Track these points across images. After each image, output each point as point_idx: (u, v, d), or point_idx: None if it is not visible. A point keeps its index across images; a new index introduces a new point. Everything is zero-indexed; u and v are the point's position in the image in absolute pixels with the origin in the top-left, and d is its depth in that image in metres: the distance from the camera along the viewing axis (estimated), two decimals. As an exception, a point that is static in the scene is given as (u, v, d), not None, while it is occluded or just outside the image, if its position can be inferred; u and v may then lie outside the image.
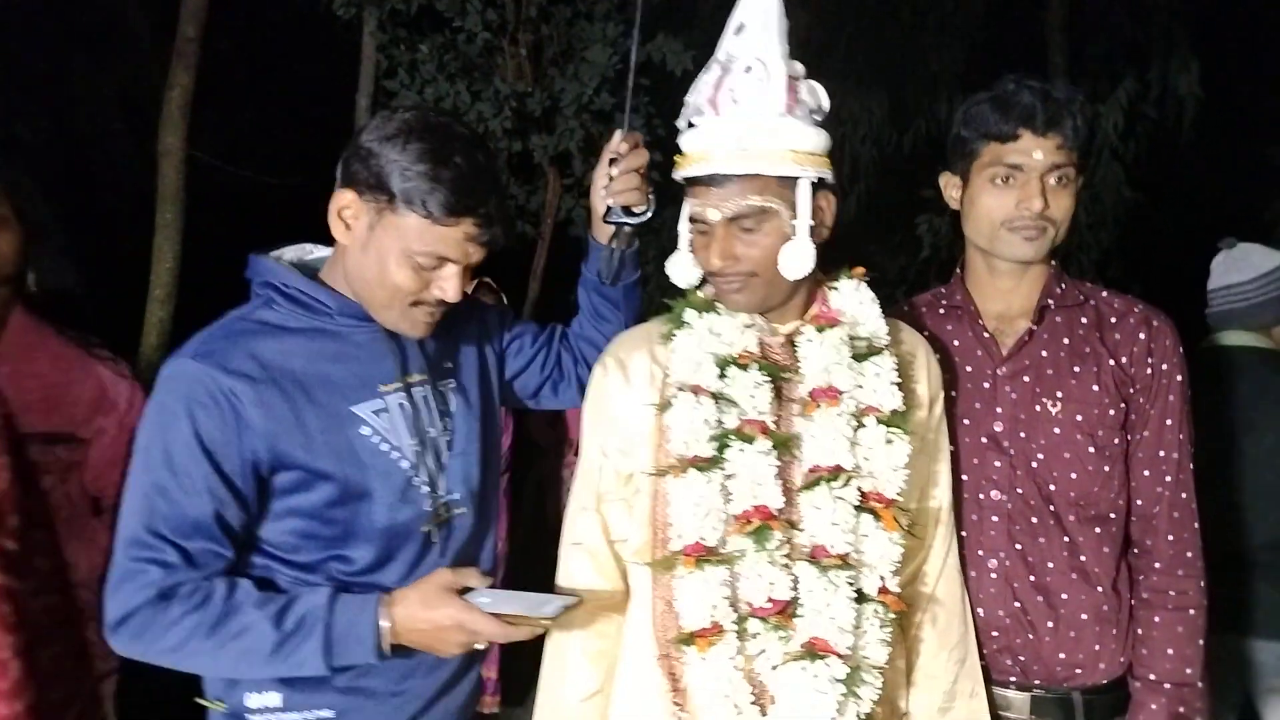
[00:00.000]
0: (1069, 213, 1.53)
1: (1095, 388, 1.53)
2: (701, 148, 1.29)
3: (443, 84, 4.51)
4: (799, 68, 1.32)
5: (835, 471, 1.27)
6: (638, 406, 1.35)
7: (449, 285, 1.32)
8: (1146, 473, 1.54)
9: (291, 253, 1.43)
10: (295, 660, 1.25)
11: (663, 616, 1.30)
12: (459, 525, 1.44)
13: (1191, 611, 1.52)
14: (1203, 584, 1.53)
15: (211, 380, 1.25)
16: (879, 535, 1.28)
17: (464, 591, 1.29)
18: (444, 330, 1.46)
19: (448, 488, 1.42)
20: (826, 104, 1.35)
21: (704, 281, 1.40)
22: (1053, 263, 1.61)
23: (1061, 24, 5.40)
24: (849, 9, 5.77)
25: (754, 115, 1.27)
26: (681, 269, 1.38)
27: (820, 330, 1.33)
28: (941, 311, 1.66)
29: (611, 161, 1.49)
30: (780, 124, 1.27)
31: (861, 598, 1.25)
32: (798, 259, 1.28)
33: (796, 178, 1.28)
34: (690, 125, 1.34)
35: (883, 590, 1.28)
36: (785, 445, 1.29)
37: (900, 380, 1.34)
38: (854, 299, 1.38)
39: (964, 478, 1.56)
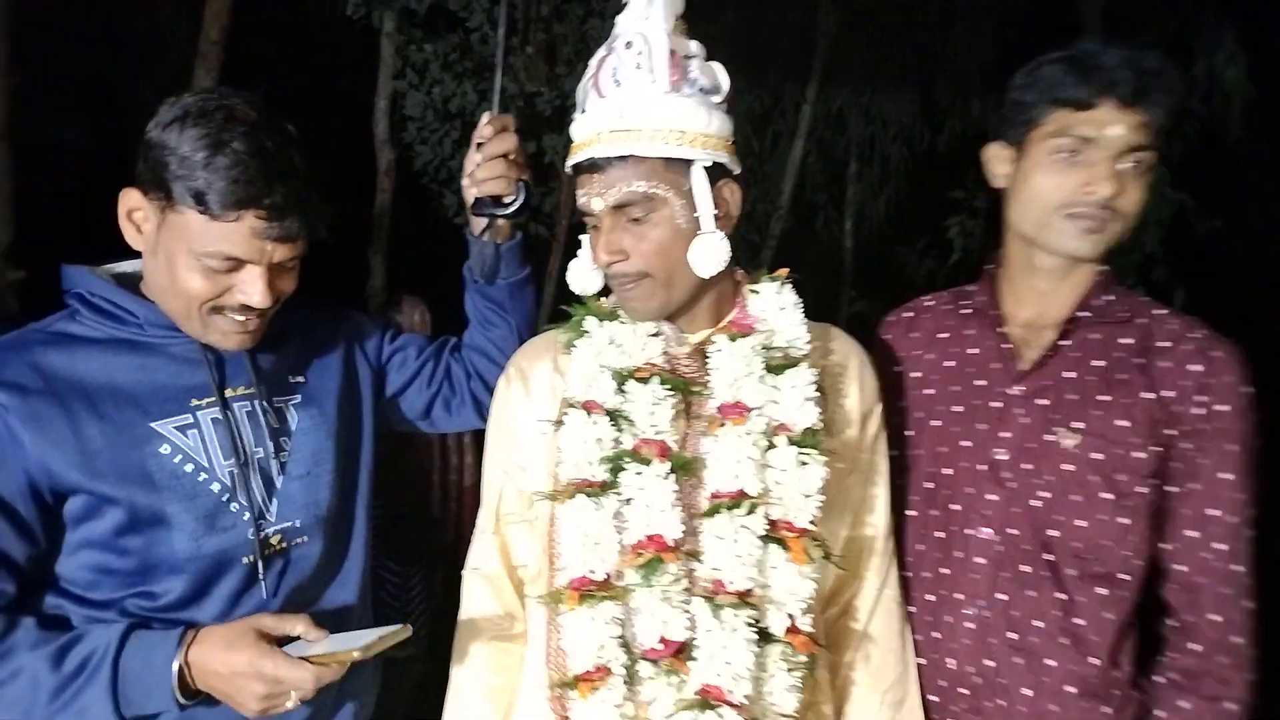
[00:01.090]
0: (1139, 207, 1.27)
1: (1124, 423, 1.27)
2: (584, 133, 1.18)
3: (450, 84, 4.46)
4: (693, 46, 1.20)
5: (739, 497, 1.15)
6: (536, 421, 1.25)
7: (251, 289, 1.19)
8: (1193, 533, 1.27)
9: (128, 265, 1.31)
10: (78, 708, 1.10)
11: (556, 653, 1.20)
12: (299, 557, 1.30)
13: (1230, 705, 1.26)
14: (1248, 676, 1.26)
15: None
16: (788, 568, 1.15)
17: (286, 642, 1.13)
18: (293, 340, 1.36)
19: (281, 514, 1.29)
20: (726, 84, 1.23)
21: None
22: (1103, 268, 1.35)
23: (1099, 16, 5.15)
24: (878, 6, 5.59)
25: (634, 94, 1.16)
26: (580, 274, 1.27)
27: (732, 339, 1.21)
28: (963, 312, 1.44)
29: (478, 147, 1.37)
30: (664, 102, 1.15)
31: (766, 638, 1.13)
32: (708, 253, 1.17)
33: (688, 162, 1.16)
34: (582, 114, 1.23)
35: (792, 629, 1.15)
36: (687, 468, 1.17)
37: (819, 395, 1.21)
38: (774, 304, 1.25)
39: (954, 507, 1.37)
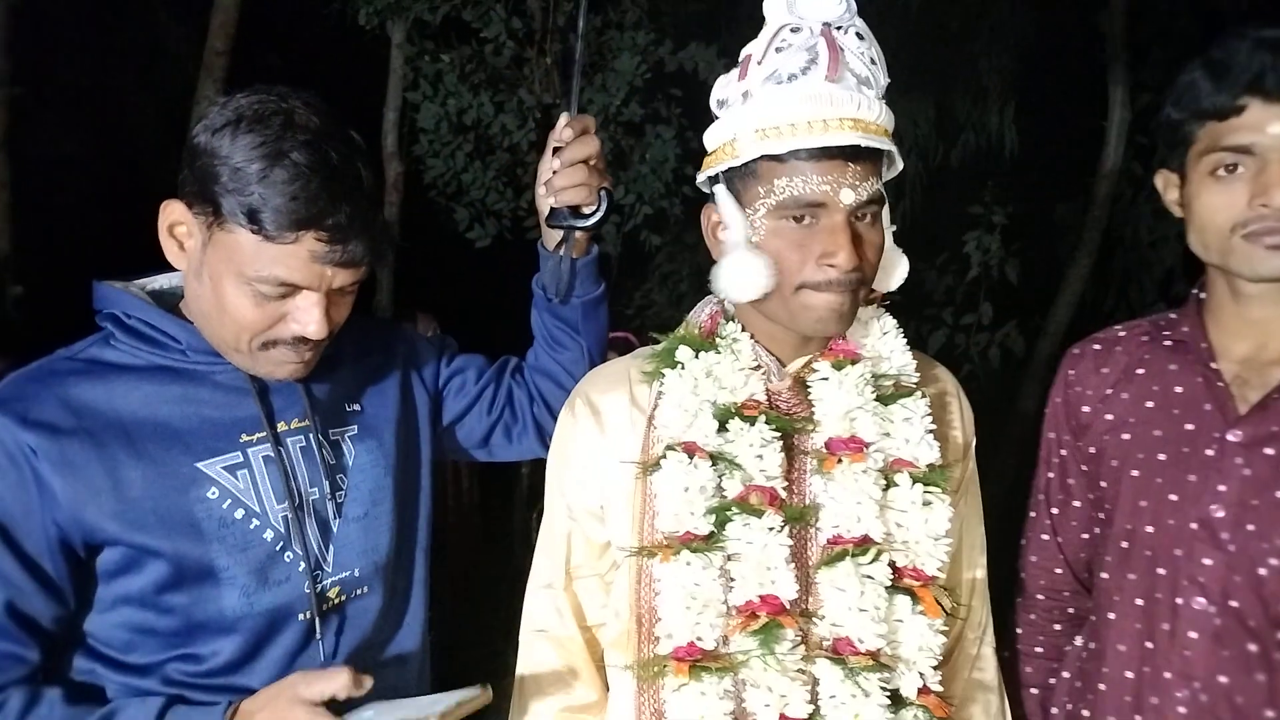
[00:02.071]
0: None
1: None
2: (815, 111, 1.01)
3: (466, 95, 4.35)
4: None
5: (862, 544, 1.03)
6: (614, 461, 1.12)
7: (307, 318, 1.06)
8: None
9: (163, 279, 1.19)
10: None
11: (652, 729, 1.06)
12: (358, 610, 1.17)
13: None
14: None
15: (8, 435, 1.00)
16: (918, 622, 1.03)
17: (340, 706, 0.98)
18: (346, 363, 1.22)
19: (338, 563, 1.15)
20: None
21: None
22: None
23: (1123, 31, 5.08)
24: (893, 16, 5.52)
25: (874, 88, 1.05)
26: (748, 277, 1.05)
27: (838, 367, 1.09)
28: (1166, 344, 1.26)
29: (555, 152, 1.25)
30: (882, 104, 1.06)
31: (896, 701, 1.01)
32: (899, 269, 1.11)
33: (880, 173, 1.07)
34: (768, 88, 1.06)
35: (923, 691, 1.03)
36: (801, 517, 1.05)
37: (935, 427, 1.10)
38: (875, 330, 1.14)
39: (1160, 571, 1.17)
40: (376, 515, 1.19)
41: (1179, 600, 1.15)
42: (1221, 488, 1.14)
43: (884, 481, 1.06)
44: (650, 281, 6.09)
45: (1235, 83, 1.10)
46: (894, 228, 1.14)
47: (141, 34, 6.43)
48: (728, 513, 1.02)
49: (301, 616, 1.11)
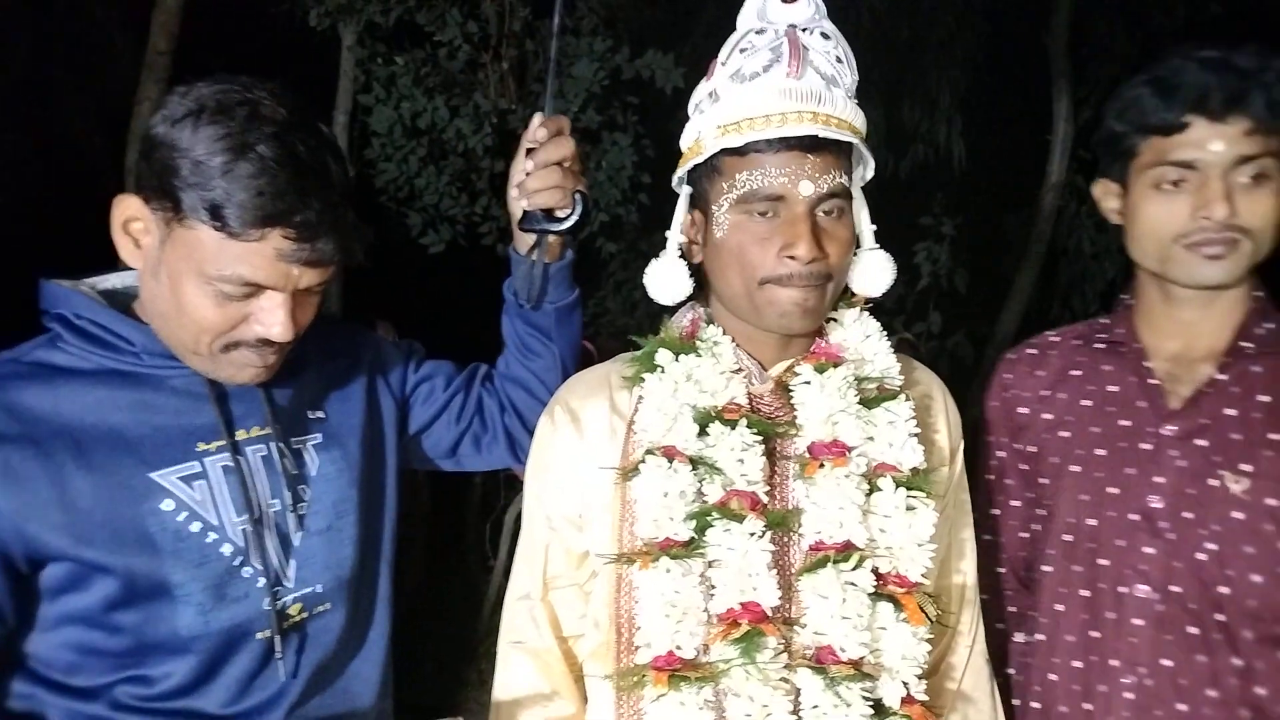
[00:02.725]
0: (1270, 218, 1.15)
1: None
2: (773, 104, 1.01)
3: (420, 99, 4.28)
4: None
5: (845, 549, 1.01)
6: (594, 468, 1.09)
7: (272, 320, 1.01)
8: None
9: (115, 278, 1.12)
10: None
11: (632, 739, 1.04)
12: (320, 628, 1.11)
13: None
14: None
15: None
16: (901, 630, 1.02)
17: None
18: (311, 368, 1.17)
19: (300, 578, 1.09)
20: None
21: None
22: (1258, 293, 1.23)
23: (1065, 47, 5.22)
24: (843, 28, 5.59)
25: (839, 84, 1.05)
26: (668, 278, 1.10)
27: (820, 370, 1.08)
28: (1098, 347, 1.32)
29: (529, 153, 1.21)
30: (852, 104, 1.05)
31: (879, 711, 1.00)
32: (879, 272, 1.10)
33: (850, 172, 1.07)
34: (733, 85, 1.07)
35: (907, 700, 1.02)
36: (783, 523, 1.03)
37: (919, 430, 1.09)
38: (858, 332, 1.13)
39: (1102, 562, 1.22)
40: (340, 528, 1.14)
41: (1122, 589, 1.19)
42: (1159, 479, 1.19)
43: (867, 486, 1.05)
44: (604, 289, 6.06)
45: (1181, 101, 1.15)
46: (874, 228, 1.14)
47: (84, 32, 6.23)
48: (708, 518, 1.00)
49: (260, 635, 1.06)
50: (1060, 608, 1.26)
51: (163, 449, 1.02)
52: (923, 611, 1.02)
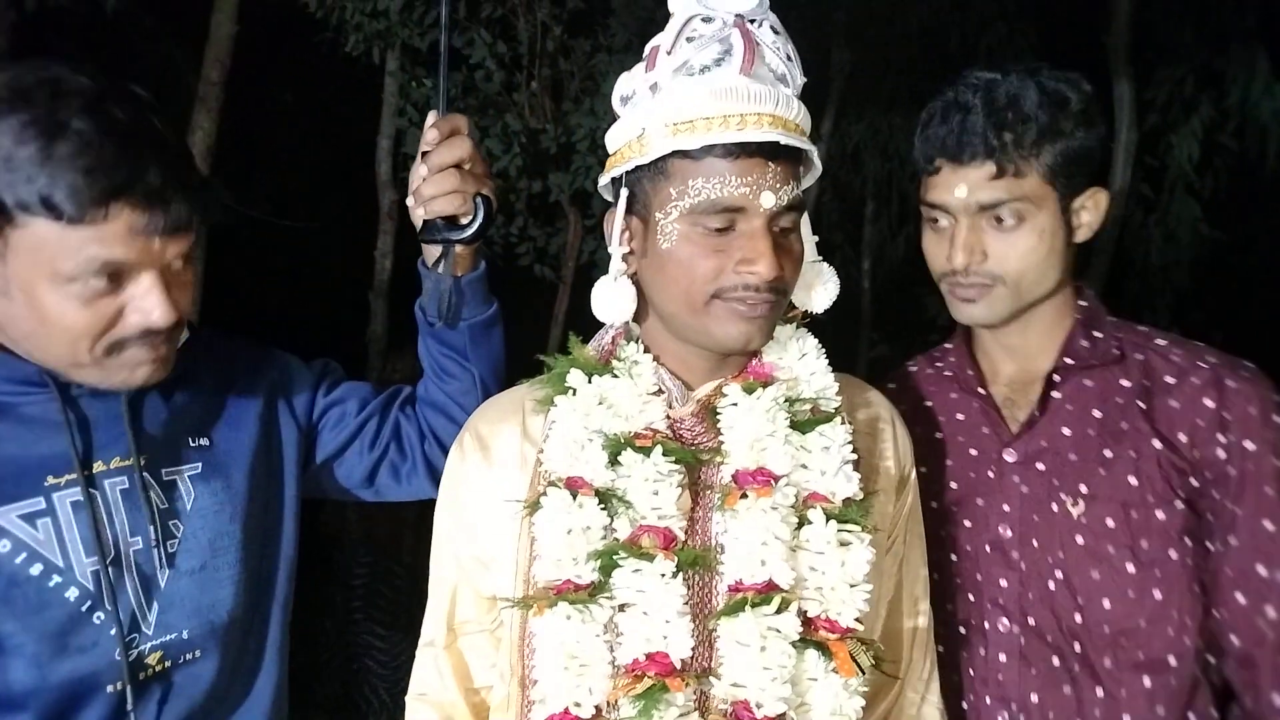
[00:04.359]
0: (1029, 259, 1.11)
1: (1134, 480, 1.10)
2: (729, 106, 0.91)
3: (452, 120, 4.30)
4: None
5: (767, 590, 0.90)
6: (501, 501, 1.00)
7: (150, 303, 0.92)
8: (1240, 597, 1.08)
9: None
10: None
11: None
12: (188, 678, 1.03)
13: None
14: None
15: None
16: (830, 682, 0.90)
17: None
18: (197, 391, 1.10)
19: (162, 623, 1.01)
20: None
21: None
22: (1082, 303, 1.20)
23: (1126, 49, 4.97)
24: (894, 38, 5.44)
25: (791, 85, 0.96)
26: (614, 297, 0.98)
27: (749, 391, 0.97)
28: (946, 375, 1.29)
29: (424, 157, 1.13)
30: (800, 105, 0.96)
31: (804, 775, 0.88)
32: (826, 286, 1.02)
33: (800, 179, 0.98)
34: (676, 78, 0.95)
35: (835, 762, 0.90)
36: (698, 562, 0.93)
37: (857, 457, 0.98)
38: (793, 350, 1.02)
39: (970, 597, 1.18)
40: (216, 567, 1.06)
41: (987, 624, 1.16)
42: (1005, 507, 1.16)
43: (796, 519, 0.94)
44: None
45: (928, 142, 1.15)
46: (815, 239, 1.03)
47: (140, 64, 6.47)
48: (614, 557, 0.90)
49: (111, 688, 0.97)
50: (942, 649, 1.18)
51: (3, 484, 0.95)
52: (855, 661, 0.90)
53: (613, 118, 1.03)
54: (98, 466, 1.00)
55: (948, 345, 1.31)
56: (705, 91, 0.91)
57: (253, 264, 5.73)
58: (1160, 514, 1.09)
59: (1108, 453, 1.12)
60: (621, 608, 0.91)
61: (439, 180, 1.10)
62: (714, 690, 0.90)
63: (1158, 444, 1.10)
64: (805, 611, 0.92)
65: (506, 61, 4.40)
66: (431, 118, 1.13)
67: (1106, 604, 1.10)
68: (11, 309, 0.94)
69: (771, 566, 0.90)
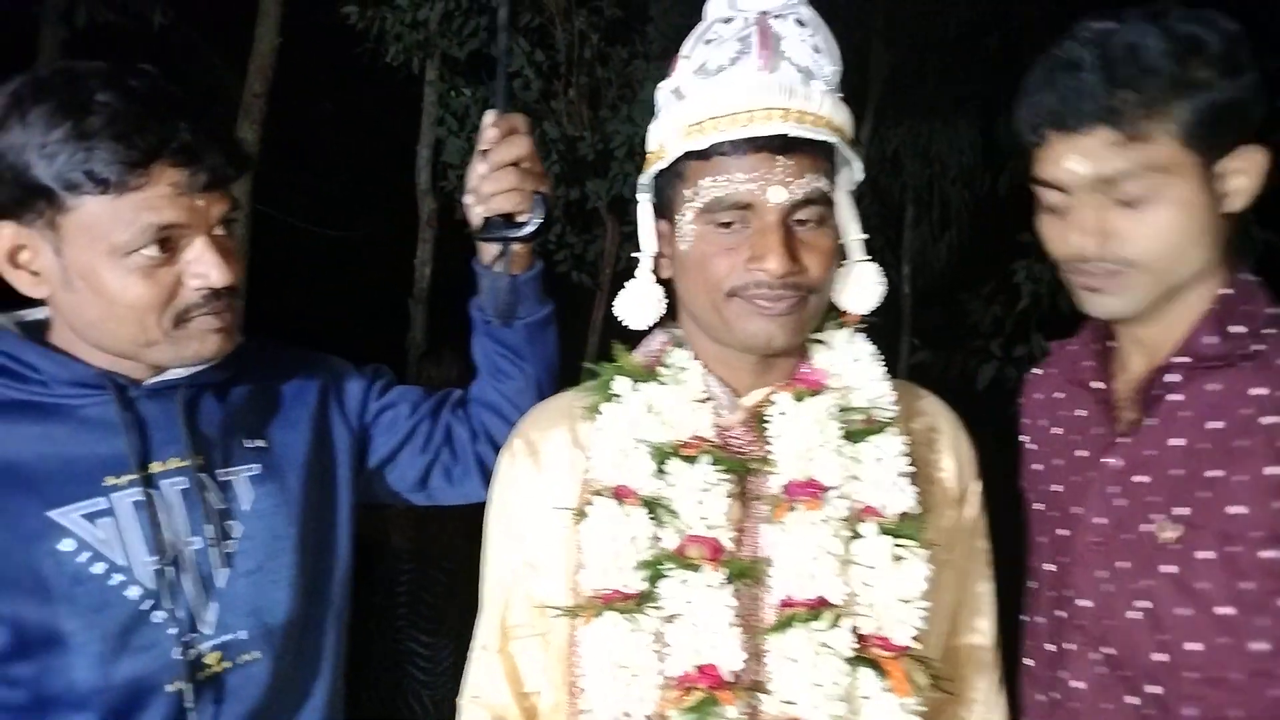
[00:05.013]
0: (1166, 238, 0.94)
1: (1240, 509, 0.91)
2: (741, 102, 0.89)
3: (491, 129, 4.33)
4: None
5: (817, 606, 0.88)
6: (551, 508, 0.99)
7: (205, 264, 0.95)
8: None
9: (43, 311, 1.05)
10: None
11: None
12: (243, 679, 1.02)
13: None
14: None
15: None
16: (885, 701, 0.87)
17: None
18: (252, 393, 1.10)
19: (221, 624, 1.01)
20: None
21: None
22: (1226, 291, 0.98)
23: (1175, 48, 4.87)
24: (934, 40, 5.37)
25: (817, 77, 0.93)
26: (639, 301, 0.99)
27: (799, 399, 0.95)
28: (1070, 359, 1.14)
29: (483, 155, 1.12)
30: (833, 99, 0.94)
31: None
32: (867, 285, 0.98)
33: (834, 174, 0.95)
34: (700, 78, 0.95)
35: (890, 785, 0.87)
36: (747, 573, 0.90)
37: (913, 468, 0.95)
38: (846, 355, 0.99)
39: (1059, 614, 1.06)
40: (274, 569, 1.06)
41: (1068, 646, 1.03)
42: (1097, 520, 1.01)
43: (848, 532, 0.91)
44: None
45: (1037, 113, 0.98)
46: (864, 236, 1.01)
47: (185, 77, 6.60)
48: (661, 567, 0.89)
49: (171, 687, 0.98)
50: (1030, 663, 1.10)
51: (65, 485, 0.96)
52: (911, 680, 0.87)
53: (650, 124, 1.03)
54: (155, 467, 1.01)
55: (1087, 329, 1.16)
56: (716, 90, 0.91)
57: (294, 272, 5.81)
58: (1268, 554, 0.90)
59: (1214, 473, 0.94)
60: (670, 619, 0.89)
61: (499, 178, 1.10)
62: (764, 706, 0.88)
63: (1274, 471, 0.90)
64: (858, 628, 0.89)
65: (544, 69, 4.42)
66: (490, 116, 1.13)
67: (1194, 647, 0.93)
68: (76, 300, 0.97)
69: (822, 581, 0.88)
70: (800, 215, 0.91)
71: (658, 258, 1.02)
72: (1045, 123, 0.97)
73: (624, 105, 4.46)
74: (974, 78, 5.47)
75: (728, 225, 0.91)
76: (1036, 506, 1.12)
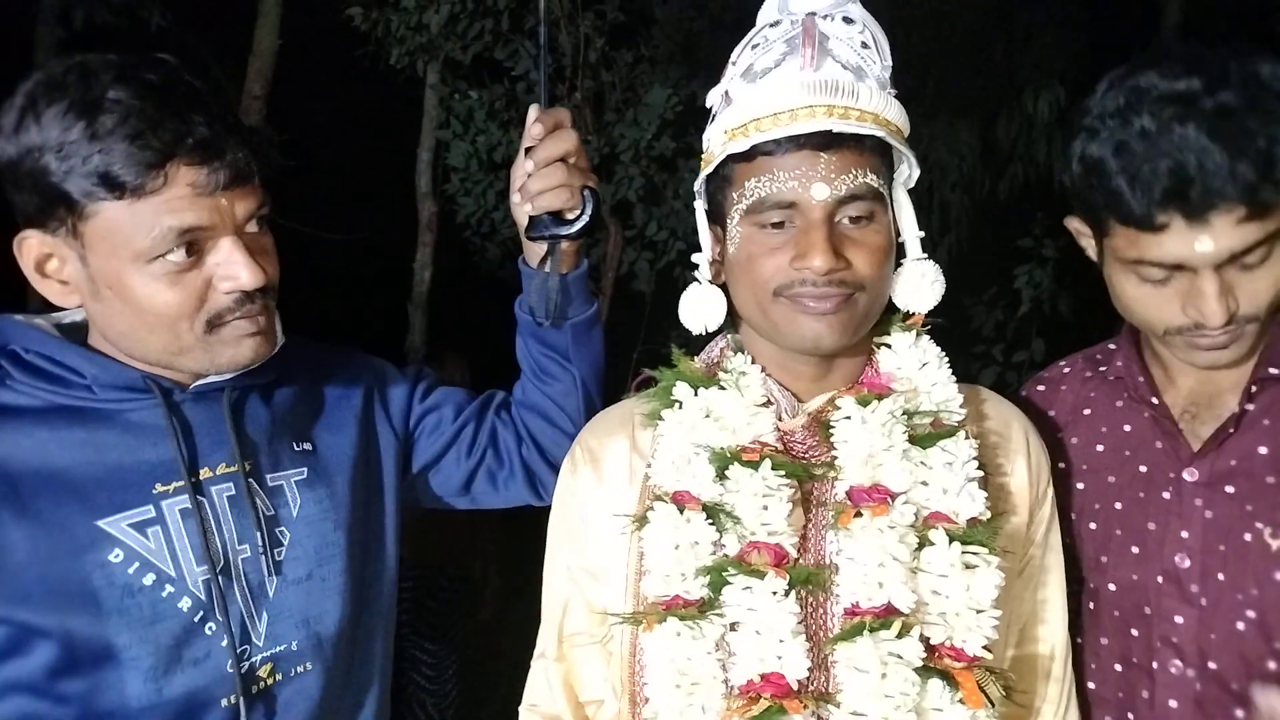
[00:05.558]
0: (1270, 299, 0.95)
1: None
2: (783, 100, 0.89)
3: (495, 132, 4.29)
4: None
5: (886, 614, 0.86)
6: (612, 516, 0.97)
7: (234, 267, 0.91)
8: None
9: (80, 312, 1.02)
10: None
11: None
12: (296, 692, 1.00)
13: None
14: None
15: None
16: (957, 712, 0.85)
17: None
18: (297, 396, 1.08)
19: (272, 635, 0.98)
20: None
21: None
22: None
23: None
24: (935, 45, 5.37)
25: (866, 73, 0.92)
26: (702, 305, 0.98)
27: (863, 403, 0.93)
28: (1110, 379, 1.14)
29: (528, 153, 1.10)
30: (886, 95, 0.92)
31: (930, 811, 0.83)
32: (923, 283, 0.97)
33: (891, 171, 0.95)
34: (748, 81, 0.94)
35: (966, 799, 0.85)
36: (811, 579, 0.89)
37: (983, 474, 0.93)
38: (912, 358, 0.97)
39: (1133, 633, 1.05)
40: (323, 576, 1.03)
41: (1155, 664, 1.02)
42: (1184, 534, 1.02)
43: (916, 540, 0.89)
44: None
45: (1153, 196, 0.91)
46: (921, 234, 0.99)
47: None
48: (724, 574, 0.87)
49: (225, 702, 0.95)
50: (1093, 685, 1.10)
51: (113, 493, 0.93)
52: (983, 691, 0.85)
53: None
54: (204, 473, 0.99)
55: (1111, 346, 1.16)
56: (761, 92, 0.91)
57: (293, 275, 5.76)
58: None
59: None
60: (733, 626, 0.87)
61: (546, 174, 1.07)
62: (832, 718, 0.86)
63: None
64: (928, 638, 0.87)
65: (550, 73, 4.40)
66: (534, 113, 1.10)
67: None
68: (106, 310, 0.94)
69: (890, 589, 0.86)
70: (848, 212, 0.90)
71: (713, 263, 1.00)
72: (1168, 208, 0.90)
73: (628, 109, 4.44)
74: (975, 84, 5.47)
75: (777, 226, 0.90)
76: (1090, 526, 1.11)
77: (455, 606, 3.16)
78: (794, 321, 0.91)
